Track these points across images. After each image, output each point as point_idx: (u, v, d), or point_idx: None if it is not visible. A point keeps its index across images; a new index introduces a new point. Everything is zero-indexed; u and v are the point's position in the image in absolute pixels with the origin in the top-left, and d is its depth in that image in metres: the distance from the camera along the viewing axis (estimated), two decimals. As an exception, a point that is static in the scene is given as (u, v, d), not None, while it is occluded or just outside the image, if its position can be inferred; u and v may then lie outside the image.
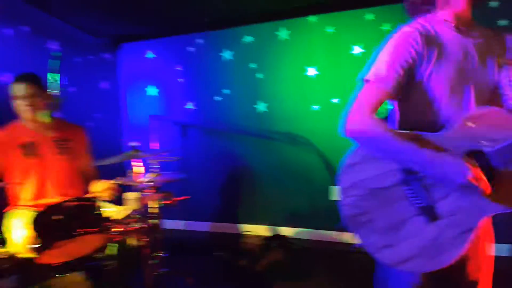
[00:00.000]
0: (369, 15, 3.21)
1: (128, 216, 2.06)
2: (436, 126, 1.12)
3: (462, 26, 1.15)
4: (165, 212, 2.71)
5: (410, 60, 1.11)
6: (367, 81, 1.14)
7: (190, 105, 3.90)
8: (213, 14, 3.43)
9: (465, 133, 1.05)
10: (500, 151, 1.00)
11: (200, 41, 3.81)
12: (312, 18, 3.41)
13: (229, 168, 3.83)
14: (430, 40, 1.11)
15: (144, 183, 2.05)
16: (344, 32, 3.30)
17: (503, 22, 2.78)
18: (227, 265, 2.97)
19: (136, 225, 2.02)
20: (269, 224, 3.70)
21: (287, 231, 3.61)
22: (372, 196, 1.14)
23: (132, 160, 2.00)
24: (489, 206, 1.03)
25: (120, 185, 2.08)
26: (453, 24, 1.15)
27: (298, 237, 3.55)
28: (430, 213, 1.07)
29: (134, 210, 2.06)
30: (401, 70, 1.11)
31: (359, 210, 1.15)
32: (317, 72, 3.42)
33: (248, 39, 3.63)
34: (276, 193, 3.65)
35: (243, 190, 3.83)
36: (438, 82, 1.11)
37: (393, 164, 1.12)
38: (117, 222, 1.99)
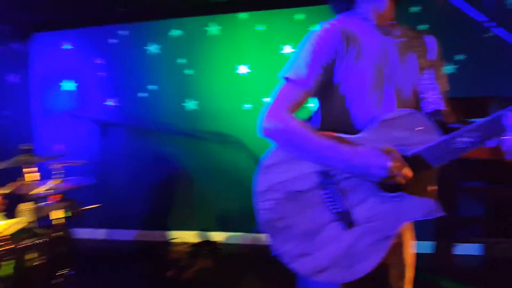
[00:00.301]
0: (299, 15, 3.21)
1: (21, 231, 1.77)
2: (356, 126, 1.08)
3: (383, 24, 1.11)
4: (82, 220, 2.41)
5: (330, 60, 1.06)
6: (287, 79, 1.08)
7: (111, 102, 3.59)
8: (138, 5, 3.19)
9: (383, 136, 1.01)
10: (417, 156, 0.97)
11: (123, 32, 3.53)
12: (242, 15, 3.32)
13: (156, 170, 3.58)
14: (350, 39, 1.07)
15: (41, 192, 1.75)
16: (275, 31, 3.27)
17: (423, 27, 2.92)
18: (152, 277, 2.77)
19: (32, 240, 1.75)
20: (198, 230, 3.53)
21: (217, 236, 3.47)
22: (289, 200, 1.06)
23: (23, 165, 1.70)
24: (407, 213, 0.99)
25: (9, 195, 1.77)
26: (374, 22, 1.11)
27: (228, 242, 3.43)
28: (346, 219, 1.00)
29: (29, 223, 1.76)
30: (321, 70, 1.05)
31: (276, 215, 1.07)
32: (248, 70, 3.34)
33: (176, 32, 3.43)
34: (205, 196, 3.50)
35: (170, 194, 3.61)
36: (357, 81, 1.07)
37: (311, 166, 1.05)
38: (6, 238, 1.72)
